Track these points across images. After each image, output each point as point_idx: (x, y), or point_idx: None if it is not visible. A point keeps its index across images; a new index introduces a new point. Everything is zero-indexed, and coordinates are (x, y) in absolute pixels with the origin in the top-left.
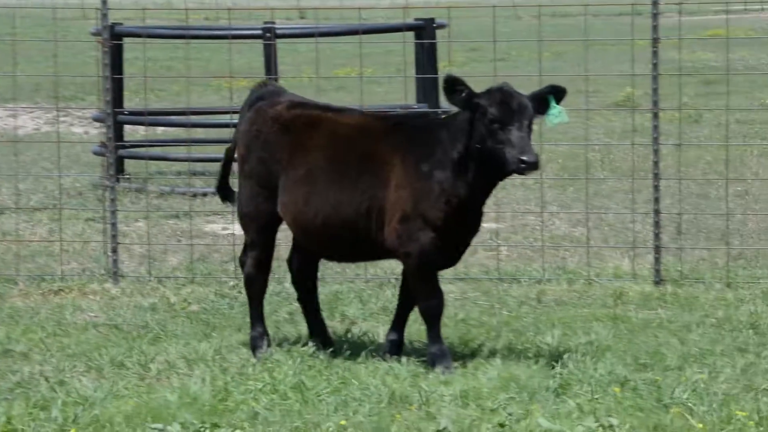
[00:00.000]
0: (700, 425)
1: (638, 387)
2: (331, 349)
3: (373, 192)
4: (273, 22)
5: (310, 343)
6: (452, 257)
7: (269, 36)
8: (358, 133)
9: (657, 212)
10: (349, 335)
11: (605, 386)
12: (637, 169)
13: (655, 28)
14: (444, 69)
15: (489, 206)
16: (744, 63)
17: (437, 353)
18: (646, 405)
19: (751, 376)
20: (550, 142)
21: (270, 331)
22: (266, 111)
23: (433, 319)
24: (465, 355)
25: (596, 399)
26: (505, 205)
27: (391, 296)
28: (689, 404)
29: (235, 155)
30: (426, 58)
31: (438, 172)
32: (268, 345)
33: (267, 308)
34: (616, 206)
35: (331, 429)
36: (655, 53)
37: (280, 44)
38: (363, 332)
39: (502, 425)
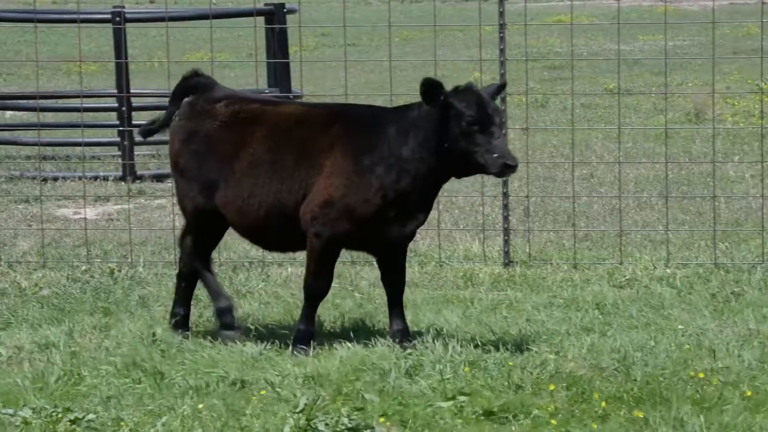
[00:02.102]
0: (551, 404)
1: (489, 367)
2: (186, 333)
3: (309, 179)
4: (122, 6)
5: (166, 326)
6: (382, 245)
7: (118, 20)
8: (296, 123)
9: (506, 195)
10: (202, 319)
11: (456, 367)
12: None
13: (501, 14)
14: (295, 54)
15: None
16: (588, 49)
17: (302, 333)
18: (496, 385)
19: (597, 355)
20: None
21: (123, 316)
22: (203, 107)
23: (312, 299)
24: (318, 336)
25: (447, 379)
26: None
27: (244, 279)
28: (539, 384)
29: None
30: (277, 43)
31: (379, 167)
32: (235, 315)
33: (119, 293)
34: (466, 189)
35: (185, 412)
36: (501, 39)
37: (130, 28)
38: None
39: (356, 406)
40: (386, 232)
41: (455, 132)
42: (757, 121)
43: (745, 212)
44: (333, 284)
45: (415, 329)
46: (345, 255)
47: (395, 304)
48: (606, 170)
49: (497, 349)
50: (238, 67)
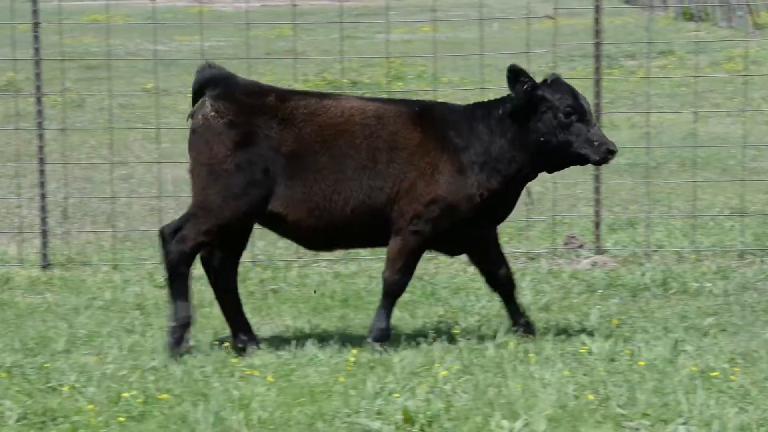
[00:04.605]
0: (90, 406)
1: (26, 372)
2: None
3: (403, 176)
4: None
5: None
6: (459, 246)
7: None
8: (377, 120)
9: (43, 197)
10: None
11: None
12: (21, 154)
13: (35, 12)
14: None
15: None
16: (125, 48)
17: (382, 332)
18: (34, 389)
19: (137, 355)
20: None
21: None
22: (252, 103)
23: (393, 297)
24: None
25: None
26: None
27: None
28: (77, 386)
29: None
30: None
31: (476, 165)
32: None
33: None
34: (2, 191)
35: None
36: (36, 38)
37: None
38: None
39: None
40: (468, 232)
41: (551, 125)
42: None
43: None
44: None
45: None
46: None
47: (514, 301)
48: (145, 170)
49: (36, 353)
50: None
